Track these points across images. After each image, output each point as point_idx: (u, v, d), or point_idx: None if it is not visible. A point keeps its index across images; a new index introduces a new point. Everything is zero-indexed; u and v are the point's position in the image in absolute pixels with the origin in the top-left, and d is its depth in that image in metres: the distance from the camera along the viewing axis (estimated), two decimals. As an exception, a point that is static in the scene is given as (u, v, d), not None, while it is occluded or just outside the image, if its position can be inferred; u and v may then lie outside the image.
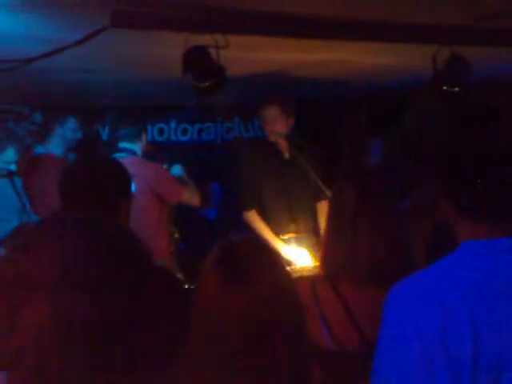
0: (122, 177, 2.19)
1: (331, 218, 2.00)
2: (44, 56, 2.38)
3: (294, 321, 1.41)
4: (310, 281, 1.97)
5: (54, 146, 4.51)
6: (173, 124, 6.06)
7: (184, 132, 6.17)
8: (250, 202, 4.18)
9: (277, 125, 4.10)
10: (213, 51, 2.87)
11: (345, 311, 1.74)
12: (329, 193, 3.80)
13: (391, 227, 1.89)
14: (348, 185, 2.01)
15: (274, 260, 1.49)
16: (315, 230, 4.25)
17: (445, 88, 3.63)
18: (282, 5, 2.67)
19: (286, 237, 4.15)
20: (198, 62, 2.83)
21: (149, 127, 5.86)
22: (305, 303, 1.88)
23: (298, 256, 4.03)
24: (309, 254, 4.05)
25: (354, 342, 1.73)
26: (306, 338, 1.44)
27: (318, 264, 3.91)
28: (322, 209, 4.26)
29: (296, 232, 4.19)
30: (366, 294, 1.68)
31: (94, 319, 0.87)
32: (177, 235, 4.65)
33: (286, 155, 4.20)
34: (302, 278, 2.09)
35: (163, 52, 3.25)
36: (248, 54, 3.50)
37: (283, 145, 4.16)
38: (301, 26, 2.94)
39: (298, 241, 4.16)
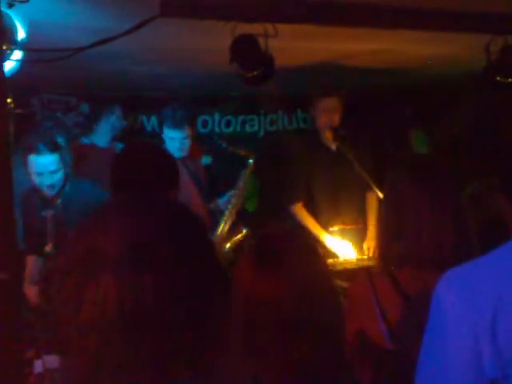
0: (171, 166, 2.21)
1: (388, 207, 1.93)
2: (94, 45, 2.39)
3: (329, 312, 1.39)
4: (368, 272, 1.93)
5: (100, 136, 4.56)
6: (216, 116, 6.06)
7: (227, 124, 6.17)
8: (296, 196, 4.15)
9: (334, 116, 4.06)
10: (261, 40, 2.84)
11: (404, 303, 1.69)
12: (374, 184, 3.76)
13: (454, 214, 1.82)
14: (404, 172, 1.93)
15: (312, 252, 1.47)
16: (363, 221, 4.21)
17: (498, 79, 3.53)
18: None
19: (333, 228, 4.11)
20: (246, 50, 2.80)
21: (193, 119, 5.88)
22: (362, 296, 1.86)
23: (343, 248, 3.99)
24: (353, 246, 4.02)
25: (412, 336, 1.69)
26: (341, 332, 1.42)
27: (372, 255, 3.95)
28: (369, 200, 4.25)
29: (343, 224, 4.15)
30: (427, 283, 1.64)
31: (160, 300, 0.87)
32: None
33: (333, 147, 4.16)
34: (359, 270, 2.05)
35: (210, 41, 3.24)
36: (296, 44, 3.45)
37: (329, 136, 4.11)
38: (351, 14, 2.89)
39: (345, 233, 4.12)
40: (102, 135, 4.56)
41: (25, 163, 3.11)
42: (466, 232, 1.81)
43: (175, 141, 3.93)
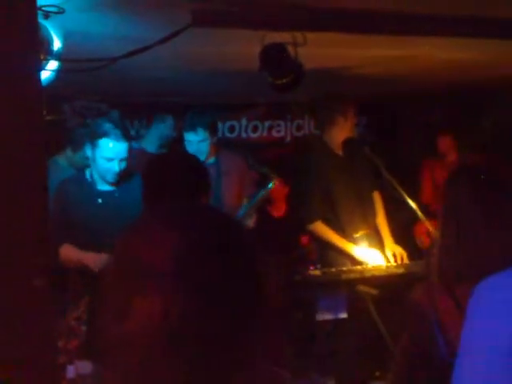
0: (202, 173, 2.25)
1: (448, 219, 1.86)
2: (129, 55, 2.44)
3: None
4: (427, 284, 1.89)
5: (149, 142, 4.66)
6: (243, 121, 6.09)
7: (254, 129, 6.19)
8: (314, 213, 4.05)
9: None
10: (290, 48, 2.87)
11: (462, 316, 1.67)
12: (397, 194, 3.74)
13: None
14: (465, 182, 1.86)
15: None
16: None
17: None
18: (361, 1, 2.64)
19: (358, 234, 4.06)
20: (276, 58, 2.83)
21: (219, 124, 5.91)
22: (421, 308, 1.84)
23: (371, 256, 3.98)
24: (380, 253, 4.00)
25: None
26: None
27: (399, 262, 3.92)
28: (377, 200, 4.26)
29: (367, 229, 4.11)
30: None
31: (205, 315, 0.87)
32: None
33: (340, 152, 4.13)
34: (418, 282, 2.01)
35: (239, 50, 3.28)
36: (323, 51, 3.47)
37: (338, 143, 4.10)
38: (380, 21, 2.90)
39: (369, 238, 4.09)
40: (151, 141, 4.68)
41: (92, 146, 3.17)
42: None
43: (192, 144, 3.95)
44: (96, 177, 3.30)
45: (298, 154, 5.60)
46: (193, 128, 3.92)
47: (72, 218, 3.28)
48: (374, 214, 4.19)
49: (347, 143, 4.04)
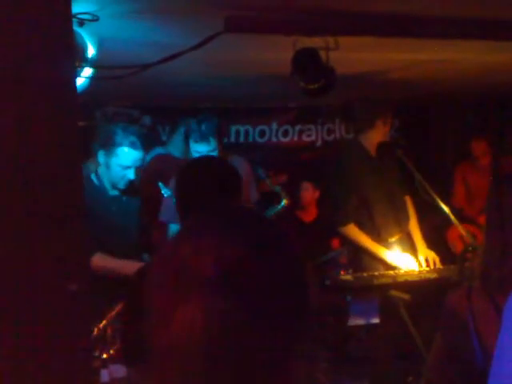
0: (234, 175, 2.24)
1: (493, 225, 1.85)
2: (162, 61, 2.47)
3: None
4: (467, 289, 1.87)
5: (175, 147, 4.68)
6: (274, 125, 6.09)
7: (285, 133, 6.19)
8: (346, 217, 4.00)
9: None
10: (322, 53, 2.87)
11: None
12: (430, 198, 3.70)
13: None
14: (509, 185, 1.87)
15: None
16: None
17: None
18: (392, 5, 2.62)
19: (393, 239, 4.01)
20: (308, 63, 2.82)
21: (250, 129, 5.92)
22: (458, 314, 1.82)
23: (404, 261, 3.94)
24: (412, 257, 3.95)
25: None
26: None
27: (432, 267, 3.88)
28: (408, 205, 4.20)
29: (400, 233, 4.06)
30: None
31: (249, 328, 0.86)
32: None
33: (374, 155, 4.09)
34: (457, 289, 1.99)
35: (271, 55, 3.28)
36: (355, 55, 3.46)
37: (373, 146, 4.06)
38: (411, 25, 2.88)
39: (402, 242, 4.04)
40: (177, 146, 4.68)
41: (107, 153, 3.19)
42: None
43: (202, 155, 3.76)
44: (106, 183, 3.29)
45: (332, 158, 5.58)
46: (205, 138, 3.76)
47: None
48: (406, 219, 4.14)
49: (380, 146, 4.02)
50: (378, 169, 4.07)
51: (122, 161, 3.18)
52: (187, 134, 4.06)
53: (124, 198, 3.35)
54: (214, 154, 3.84)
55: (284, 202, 3.97)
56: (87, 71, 2.49)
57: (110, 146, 3.17)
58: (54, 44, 1.69)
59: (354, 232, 4.01)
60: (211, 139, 3.79)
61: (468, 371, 1.74)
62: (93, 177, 3.28)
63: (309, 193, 5.35)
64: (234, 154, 4.39)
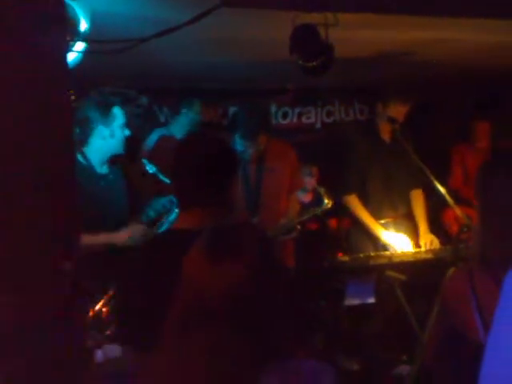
0: (231, 155, 2.21)
1: (491, 208, 1.89)
2: (157, 35, 2.41)
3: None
4: (468, 269, 1.90)
5: (178, 128, 4.67)
6: (273, 107, 6.04)
7: (284, 115, 6.14)
8: (351, 187, 4.15)
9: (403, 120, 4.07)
10: (321, 30, 2.81)
11: None
12: (433, 177, 3.70)
13: None
14: (504, 166, 1.91)
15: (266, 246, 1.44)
16: (410, 215, 4.24)
17: None
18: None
19: (383, 221, 4.12)
20: (307, 40, 2.78)
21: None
22: (460, 291, 1.85)
23: (399, 241, 3.98)
24: (408, 238, 4.02)
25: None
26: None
27: (429, 248, 3.91)
28: (417, 197, 4.27)
29: (394, 217, 4.17)
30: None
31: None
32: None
33: (388, 139, 4.15)
34: (459, 268, 2.03)
35: (269, 32, 3.23)
36: (355, 34, 3.40)
37: (386, 129, 4.09)
38: (414, 2, 2.83)
39: (396, 225, 4.14)
40: (180, 128, 4.67)
41: (109, 121, 3.22)
42: None
43: (244, 153, 3.69)
44: (93, 159, 3.27)
45: (332, 140, 5.59)
46: (253, 135, 3.64)
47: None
48: (404, 205, 4.22)
49: (394, 131, 4.04)
50: (387, 152, 4.14)
51: (121, 119, 3.24)
52: (231, 124, 3.88)
53: (111, 176, 3.35)
54: (259, 147, 3.72)
55: (327, 203, 3.90)
56: (80, 46, 2.44)
57: (107, 110, 3.20)
58: (45, 17, 1.64)
59: (355, 203, 4.12)
60: (260, 135, 3.67)
61: (469, 350, 1.75)
62: (79, 156, 3.25)
63: (315, 179, 5.34)
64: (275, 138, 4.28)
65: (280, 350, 0.95)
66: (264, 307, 0.88)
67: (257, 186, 3.81)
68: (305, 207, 4.34)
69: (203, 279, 0.88)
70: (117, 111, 3.23)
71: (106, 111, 3.19)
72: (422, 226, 4.16)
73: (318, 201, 4.15)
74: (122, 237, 3.18)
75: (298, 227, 3.91)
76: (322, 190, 4.00)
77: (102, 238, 3.17)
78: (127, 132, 3.28)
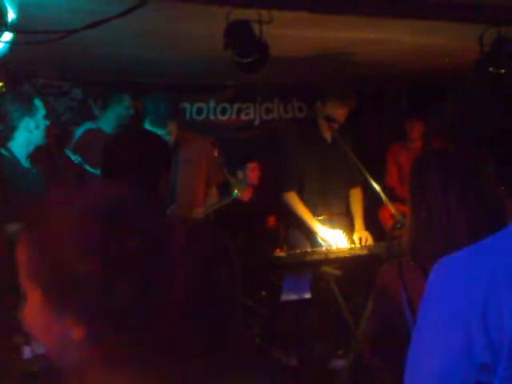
0: (163, 149, 2.20)
1: (419, 204, 1.93)
2: (86, 27, 2.37)
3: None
4: (398, 263, 1.95)
5: (106, 123, 4.58)
6: (212, 103, 6.02)
7: (223, 111, 6.12)
8: (290, 184, 4.19)
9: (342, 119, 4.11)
10: (255, 27, 2.83)
11: None
12: (370, 175, 3.78)
13: (483, 204, 1.84)
14: (433, 170, 1.93)
15: None
16: (348, 214, 4.32)
17: (491, 69, 3.52)
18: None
19: (319, 218, 4.17)
20: (241, 36, 2.78)
21: (187, 106, 5.83)
22: (391, 285, 1.89)
23: (335, 237, 4.03)
24: (344, 235, 4.08)
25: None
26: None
27: (363, 244, 3.99)
28: (356, 195, 4.35)
29: (329, 214, 4.23)
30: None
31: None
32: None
33: (328, 138, 4.20)
34: (389, 264, 2.06)
35: (204, 28, 3.21)
36: (291, 32, 3.43)
37: (325, 128, 4.14)
38: (347, 2, 2.87)
39: (331, 222, 4.20)
40: (109, 122, 4.57)
41: (33, 111, 3.17)
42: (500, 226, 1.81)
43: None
44: (19, 154, 3.21)
45: (270, 137, 5.62)
46: (163, 121, 3.75)
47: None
48: (338, 203, 4.29)
49: (332, 131, 4.09)
50: (326, 151, 4.19)
51: (43, 109, 3.21)
52: (141, 114, 4.00)
53: (35, 170, 3.29)
54: (169, 137, 3.79)
55: (237, 192, 4.05)
56: (7, 36, 2.38)
57: (31, 101, 3.16)
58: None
59: (294, 200, 4.17)
60: (170, 121, 3.77)
61: (401, 341, 1.79)
62: (3, 151, 3.18)
63: (255, 173, 5.34)
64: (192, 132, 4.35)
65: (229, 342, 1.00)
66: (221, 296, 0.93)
67: (173, 176, 3.84)
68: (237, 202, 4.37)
69: None
70: (37, 102, 3.19)
71: (28, 104, 3.14)
72: (358, 223, 4.23)
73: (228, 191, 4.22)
74: None
75: (212, 218, 4.06)
76: (232, 181, 4.12)
77: None
78: (48, 122, 3.24)
